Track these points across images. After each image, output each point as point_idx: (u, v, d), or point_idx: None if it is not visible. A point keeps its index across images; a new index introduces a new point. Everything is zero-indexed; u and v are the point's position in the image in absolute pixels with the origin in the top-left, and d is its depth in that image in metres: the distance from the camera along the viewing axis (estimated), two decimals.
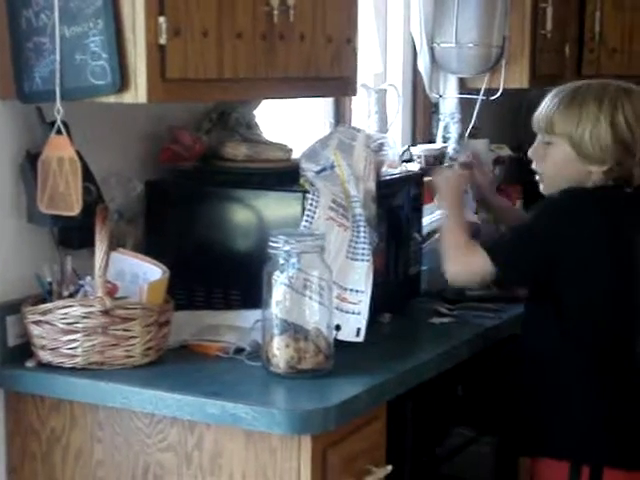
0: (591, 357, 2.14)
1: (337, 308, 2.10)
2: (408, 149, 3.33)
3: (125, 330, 1.98)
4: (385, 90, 3.29)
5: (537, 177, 2.28)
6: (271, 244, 1.97)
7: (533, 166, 2.28)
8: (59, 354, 1.99)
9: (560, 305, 2.15)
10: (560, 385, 2.16)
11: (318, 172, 2.18)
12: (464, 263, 2.20)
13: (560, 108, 2.19)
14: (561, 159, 2.20)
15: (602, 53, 3.63)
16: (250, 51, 2.04)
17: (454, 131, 3.44)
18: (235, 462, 1.87)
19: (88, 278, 2.03)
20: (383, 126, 3.19)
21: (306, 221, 2.12)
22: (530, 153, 2.28)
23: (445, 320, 2.41)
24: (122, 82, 1.85)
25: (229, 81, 2.02)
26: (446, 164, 3.36)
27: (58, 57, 1.88)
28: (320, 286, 1.97)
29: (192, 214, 2.29)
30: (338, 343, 2.04)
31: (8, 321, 2.05)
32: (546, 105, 2.22)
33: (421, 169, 3.10)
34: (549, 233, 2.14)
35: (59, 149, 1.97)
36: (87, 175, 2.06)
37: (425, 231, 2.60)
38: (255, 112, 2.53)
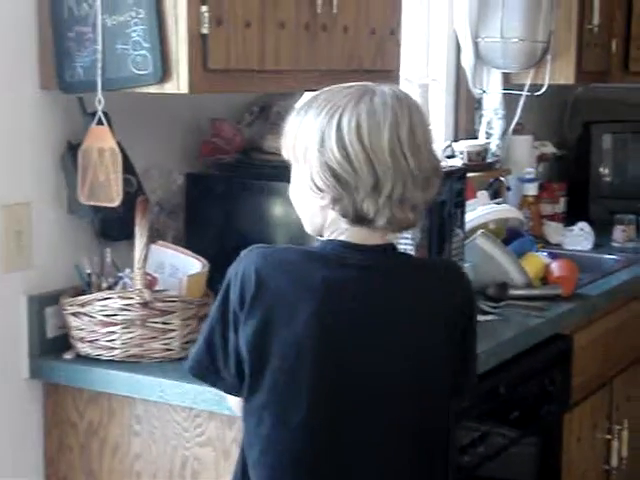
0: None
1: None
2: (450, 145, 3.30)
3: (164, 323, 1.97)
4: (428, 85, 3.25)
5: None
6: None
7: None
8: (97, 346, 1.98)
9: None
10: None
11: None
12: None
13: None
14: None
15: None
16: (293, 42, 2.02)
17: (497, 127, 3.40)
18: None
19: (127, 270, 2.02)
20: None
21: None
22: None
23: (488, 318, 2.37)
24: (164, 72, 1.84)
25: (271, 72, 2.00)
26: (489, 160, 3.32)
27: (100, 47, 1.88)
28: None
29: (233, 207, 2.27)
30: None
31: (47, 312, 2.05)
32: None
33: (464, 165, 3.07)
34: None
35: (100, 140, 1.96)
36: (128, 166, 2.05)
37: (468, 227, 2.56)
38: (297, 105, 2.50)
